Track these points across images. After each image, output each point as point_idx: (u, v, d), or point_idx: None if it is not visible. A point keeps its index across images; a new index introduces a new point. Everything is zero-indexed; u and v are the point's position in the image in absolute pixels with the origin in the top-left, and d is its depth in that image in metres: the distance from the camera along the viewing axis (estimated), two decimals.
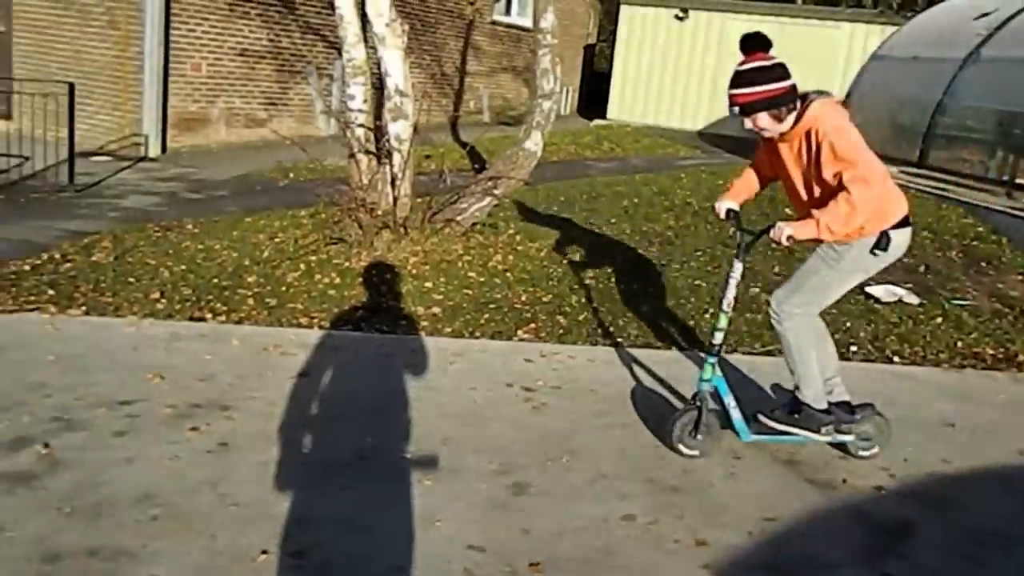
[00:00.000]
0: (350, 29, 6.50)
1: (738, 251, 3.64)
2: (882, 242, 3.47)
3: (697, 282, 6.19)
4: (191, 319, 4.87)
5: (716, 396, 3.71)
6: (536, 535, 3.00)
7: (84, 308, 4.92)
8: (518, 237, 7.01)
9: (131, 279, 5.55)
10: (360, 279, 5.75)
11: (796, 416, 3.70)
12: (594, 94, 20.60)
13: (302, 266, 5.97)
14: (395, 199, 6.34)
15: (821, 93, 3.51)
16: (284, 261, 6.02)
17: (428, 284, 5.72)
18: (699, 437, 3.66)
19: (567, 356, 4.72)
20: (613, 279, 6.13)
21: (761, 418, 3.70)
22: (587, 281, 6.00)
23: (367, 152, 6.42)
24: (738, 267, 3.63)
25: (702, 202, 8.94)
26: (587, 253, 6.80)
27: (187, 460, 3.28)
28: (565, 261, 6.49)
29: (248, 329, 4.76)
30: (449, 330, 4.97)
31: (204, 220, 7.37)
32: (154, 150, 11.26)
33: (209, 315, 4.95)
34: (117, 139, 11.30)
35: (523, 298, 5.62)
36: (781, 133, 3.51)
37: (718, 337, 3.68)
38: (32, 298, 5.06)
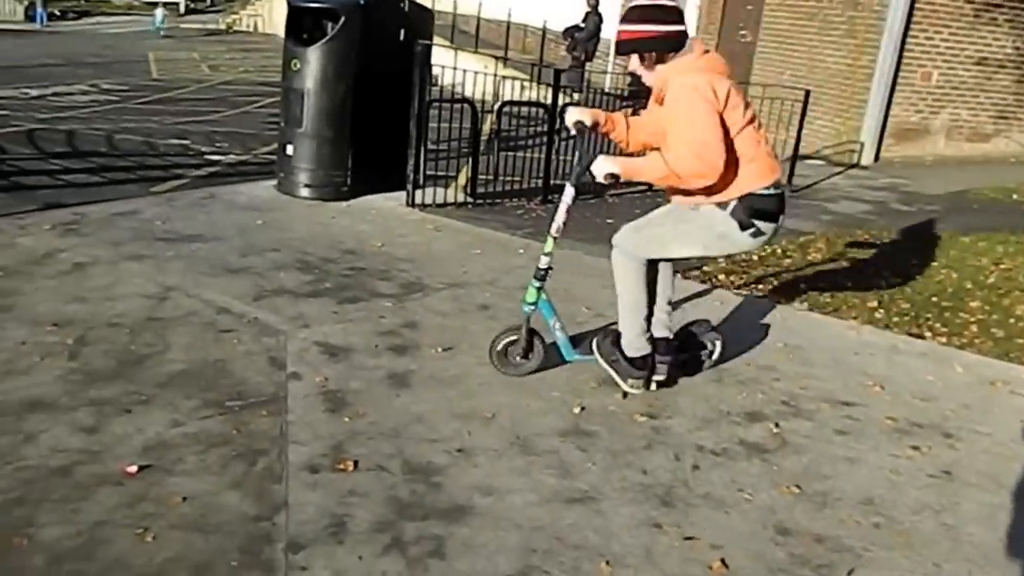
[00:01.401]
0: None
1: (571, 175, 3.51)
2: (738, 212, 3.39)
3: None
4: (909, 334, 4.79)
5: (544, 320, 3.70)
6: None
7: (806, 304, 5.19)
8: None
9: (847, 283, 5.69)
10: None
11: (615, 359, 3.66)
12: None
13: None
14: None
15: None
16: (1013, 291, 5.56)
17: None
18: (518, 358, 3.76)
19: None
20: None
21: (593, 344, 3.71)
22: None
23: None
24: (569, 192, 3.52)
25: None
26: None
27: (908, 477, 3.24)
28: None
29: (972, 357, 4.50)
30: None
31: (917, 234, 7.19)
32: (867, 158, 11.33)
33: (928, 333, 4.81)
34: (833, 145, 11.62)
35: None
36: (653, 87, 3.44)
37: (543, 261, 3.64)
38: (760, 286, 5.53)
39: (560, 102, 7.85)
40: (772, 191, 3.43)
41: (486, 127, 8.05)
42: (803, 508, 2.98)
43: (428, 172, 6.93)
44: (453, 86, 7.95)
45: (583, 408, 3.53)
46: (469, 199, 7.05)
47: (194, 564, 2.42)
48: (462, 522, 2.72)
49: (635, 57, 3.40)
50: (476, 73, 7.57)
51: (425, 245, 5.72)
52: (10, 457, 2.86)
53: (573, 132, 3.60)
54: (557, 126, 7.74)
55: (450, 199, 6.92)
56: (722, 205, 3.40)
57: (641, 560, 2.62)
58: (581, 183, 3.48)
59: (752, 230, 3.43)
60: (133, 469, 2.85)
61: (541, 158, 7.63)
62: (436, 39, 7.15)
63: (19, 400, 3.22)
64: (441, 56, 7.77)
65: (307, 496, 2.78)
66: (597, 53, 15.11)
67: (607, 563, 2.58)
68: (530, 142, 8.55)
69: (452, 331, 4.21)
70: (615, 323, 3.75)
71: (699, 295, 5.15)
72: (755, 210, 3.42)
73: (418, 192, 6.67)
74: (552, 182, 7.61)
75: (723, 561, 2.65)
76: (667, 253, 3.60)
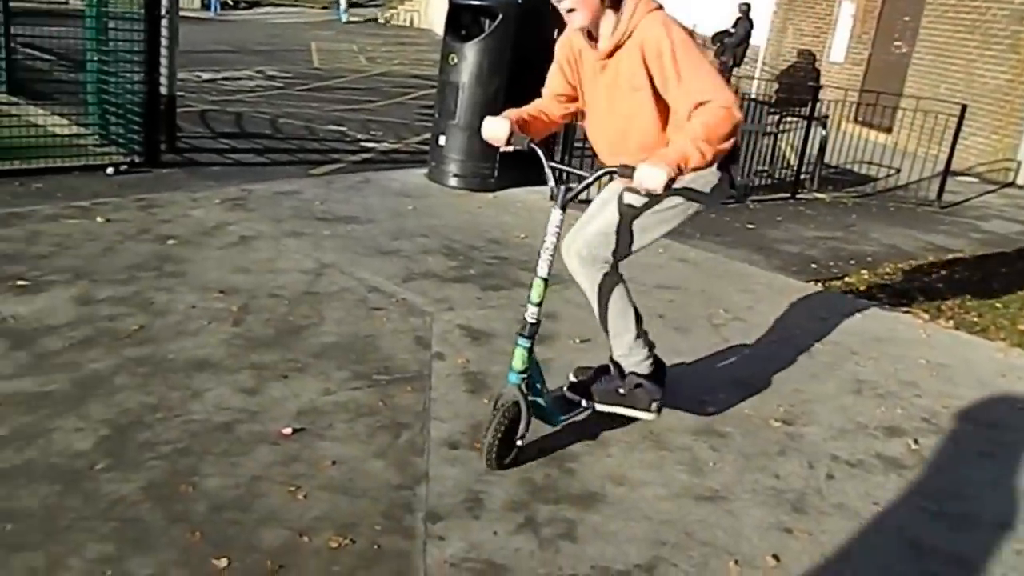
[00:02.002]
0: None
1: (556, 196, 2.86)
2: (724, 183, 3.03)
3: None
4: None
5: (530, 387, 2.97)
6: None
7: (952, 322, 5.02)
8: None
9: (997, 304, 5.47)
10: None
11: (620, 392, 3.19)
12: None
13: None
14: None
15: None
16: None
17: None
18: (519, 442, 2.96)
19: None
20: None
21: (580, 400, 3.20)
22: None
23: None
24: (558, 217, 2.86)
25: None
26: None
27: None
28: None
29: None
30: None
31: None
32: (1023, 178, 10.76)
33: None
34: (987, 162, 11.10)
35: None
36: (607, 44, 2.83)
37: (532, 312, 2.88)
38: (904, 300, 5.38)
39: None
40: None
41: None
42: (940, 527, 2.92)
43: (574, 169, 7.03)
44: None
45: (717, 408, 3.55)
46: None
47: (340, 524, 2.58)
48: (593, 509, 2.80)
49: None
50: None
51: None
52: (179, 411, 3.11)
53: (518, 147, 2.97)
54: None
55: (593, 196, 6.97)
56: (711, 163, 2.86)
57: (770, 564, 2.63)
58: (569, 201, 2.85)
59: (729, 181, 3.08)
60: (288, 431, 3.06)
61: None
62: None
63: (187, 359, 3.50)
64: None
65: (446, 471, 2.92)
66: (745, 59, 14.89)
67: (736, 563, 2.61)
68: None
69: (589, 324, 4.25)
70: (582, 367, 3.40)
71: (840, 308, 5.04)
72: (733, 159, 3.06)
73: (562, 187, 6.76)
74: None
75: (854, 573, 2.64)
76: (647, 240, 3.10)
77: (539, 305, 2.89)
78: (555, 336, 4.10)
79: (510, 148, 2.97)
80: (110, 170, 6.27)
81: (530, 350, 2.91)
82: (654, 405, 3.20)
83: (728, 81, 13.39)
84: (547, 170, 2.95)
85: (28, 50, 8.69)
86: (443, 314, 4.24)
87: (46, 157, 6.13)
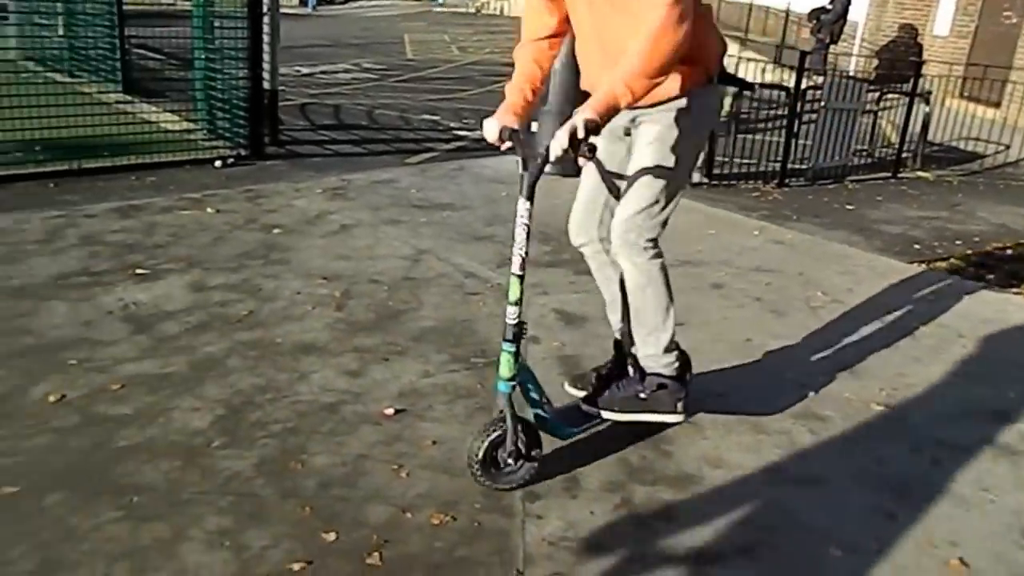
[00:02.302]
0: None
1: (522, 185, 2.56)
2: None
3: None
4: None
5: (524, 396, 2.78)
6: None
7: None
8: None
9: None
10: None
11: (641, 397, 2.93)
12: None
13: None
14: None
15: None
16: None
17: None
18: (513, 462, 2.73)
19: None
20: None
21: (599, 412, 2.94)
22: None
23: None
24: (524, 207, 2.58)
25: None
26: None
27: None
28: None
29: None
30: None
31: None
32: None
33: None
34: None
35: None
36: None
37: (513, 314, 2.65)
38: (1013, 281, 5.18)
39: (803, 84, 7.65)
40: None
41: (724, 109, 7.98)
42: None
43: None
44: None
45: (816, 392, 3.51)
46: (705, 180, 7.05)
47: (442, 502, 2.66)
48: (690, 491, 2.81)
49: None
50: None
51: None
52: (287, 392, 3.25)
53: (505, 142, 2.71)
54: (798, 108, 7.55)
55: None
56: (710, 81, 2.73)
57: (873, 548, 2.59)
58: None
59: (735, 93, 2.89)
60: (390, 412, 3.15)
61: (779, 141, 7.47)
62: None
63: (294, 343, 3.64)
64: None
65: (543, 451, 2.96)
66: (843, 35, 14.46)
67: (837, 547, 2.59)
68: (768, 125, 8.38)
69: (684, 307, 4.24)
70: (578, 375, 3.24)
71: (945, 290, 4.88)
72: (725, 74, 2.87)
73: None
74: (789, 166, 7.44)
75: (961, 559, 2.58)
76: (682, 190, 2.85)
77: (518, 304, 2.67)
78: None
79: (509, 143, 2.71)
80: (218, 163, 6.53)
81: (516, 354, 2.69)
82: (679, 405, 2.95)
83: (825, 60, 13.03)
84: (520, 157, 2.66)
85: (140, 51, 9.09)
86: (537, 298, 4.29)
87: (159, 152, 6.42)
